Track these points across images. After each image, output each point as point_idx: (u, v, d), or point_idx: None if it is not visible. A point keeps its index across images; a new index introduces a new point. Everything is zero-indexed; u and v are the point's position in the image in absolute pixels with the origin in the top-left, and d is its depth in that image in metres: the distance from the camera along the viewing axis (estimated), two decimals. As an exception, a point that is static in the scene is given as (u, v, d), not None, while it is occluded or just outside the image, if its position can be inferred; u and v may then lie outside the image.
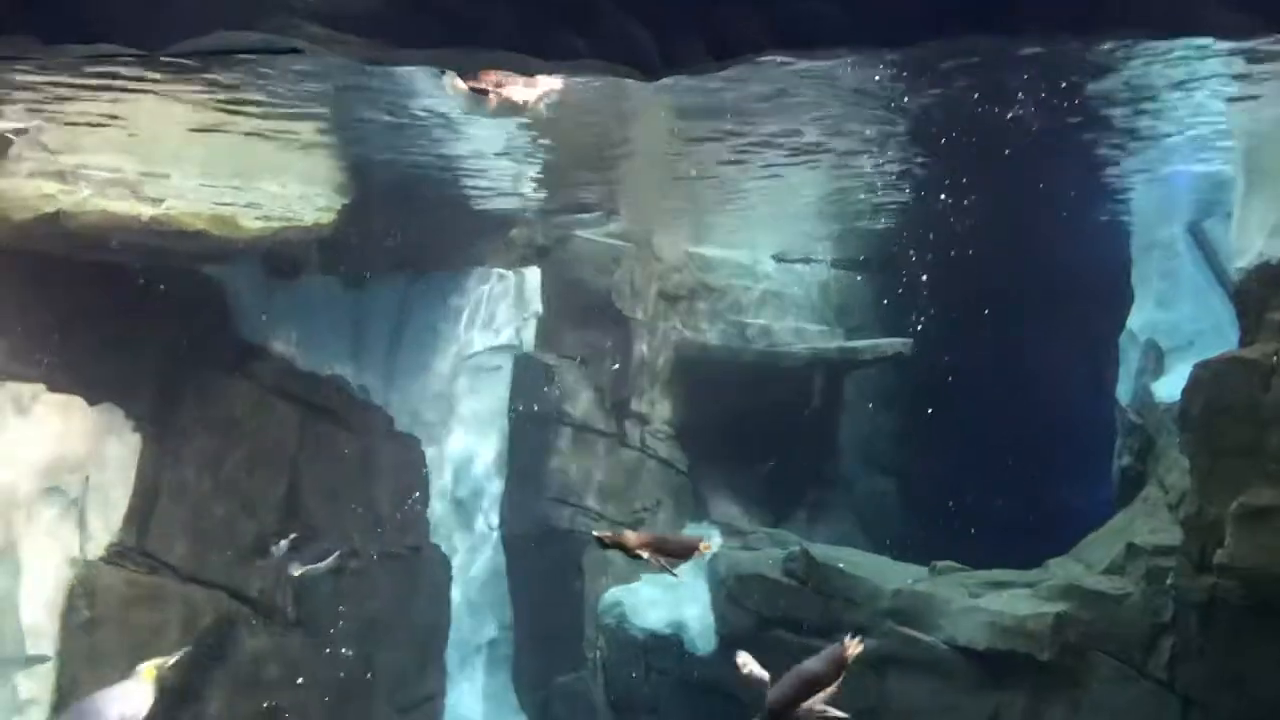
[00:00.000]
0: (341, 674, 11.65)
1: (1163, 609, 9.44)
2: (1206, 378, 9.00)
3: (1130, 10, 4.03)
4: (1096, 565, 10.43)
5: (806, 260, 16.82)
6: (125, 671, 7.40)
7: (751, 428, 14.16)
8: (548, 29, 4.49)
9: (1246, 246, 9.42)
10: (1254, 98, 8.41)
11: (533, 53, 4.51)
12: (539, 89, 7.05)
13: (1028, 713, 10.08)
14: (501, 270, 13.72)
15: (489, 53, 4.52)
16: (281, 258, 10.98)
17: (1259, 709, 8.55)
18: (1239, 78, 8.00)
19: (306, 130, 8.66)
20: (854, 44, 4.44)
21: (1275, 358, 8.41)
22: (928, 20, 4.27)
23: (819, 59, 5.72)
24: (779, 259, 16.59)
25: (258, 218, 9.99)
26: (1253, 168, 9.46)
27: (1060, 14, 4.23)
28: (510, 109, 7.15)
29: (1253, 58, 7.47)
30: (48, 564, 10.08)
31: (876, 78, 7.52)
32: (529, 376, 13.95)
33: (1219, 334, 11.54)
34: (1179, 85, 8.24)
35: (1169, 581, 9.36)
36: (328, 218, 10.47)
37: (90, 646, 10.11)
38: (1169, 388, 11.23)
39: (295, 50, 4.52)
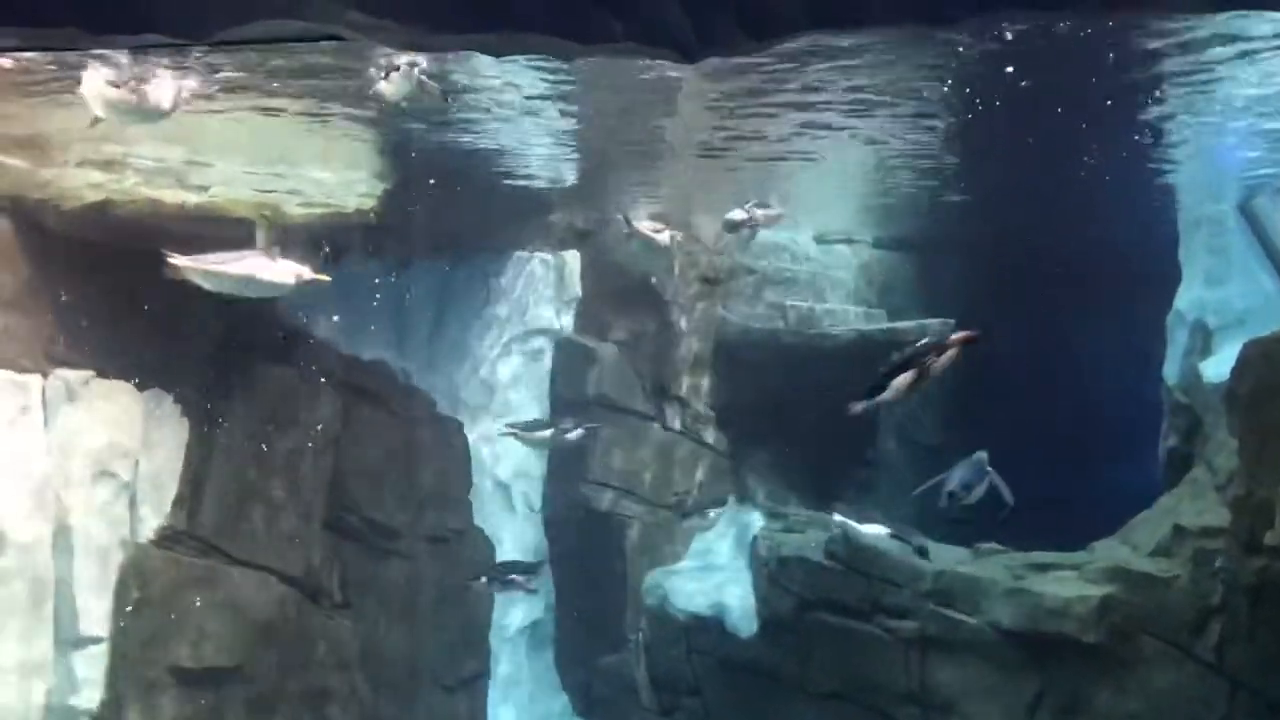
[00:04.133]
0: (388, 655, 11.79)
1: (1211, 591, 9.34)
2: (1256, 357, 8.87)
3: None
4: (1143, 547, 10.32)
5: (848, 241, 16.70)
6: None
7: (793, 410, 14.10)
8: (585, 12, 4.48)
9: (1298, 222, 9.27)
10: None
11: (570, 36, 4.51)
12: (172, 90, 7.00)
13: (1072, 696, 10.01)
14: (542, 254, 13.77)
15: (526, 36, 4.52)
16: (324, 244, 11.06)
17: (1309, 692, 8.47)
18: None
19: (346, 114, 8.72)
20: (895, 22, 4.39)
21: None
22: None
23: (860, 37, 5.67)
24: (820, 240, 16.49)
25: (301, 204, 10.08)
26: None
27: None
28: (150, 112, 7.08)
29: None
30: (100, 547, 10.27)
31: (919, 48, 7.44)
32: (569, 360, 14.00)
33: (1269, 312, 11.37)
34: (1233, 55, 8.11)
35: (1217, 564, 9.26)
36: (369, 203, 10.55)
37: (141, 628, 10.31)
38: (1217, 367, 11.06)
39: (335, 37, 4.55)
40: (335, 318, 11.82)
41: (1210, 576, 9.34)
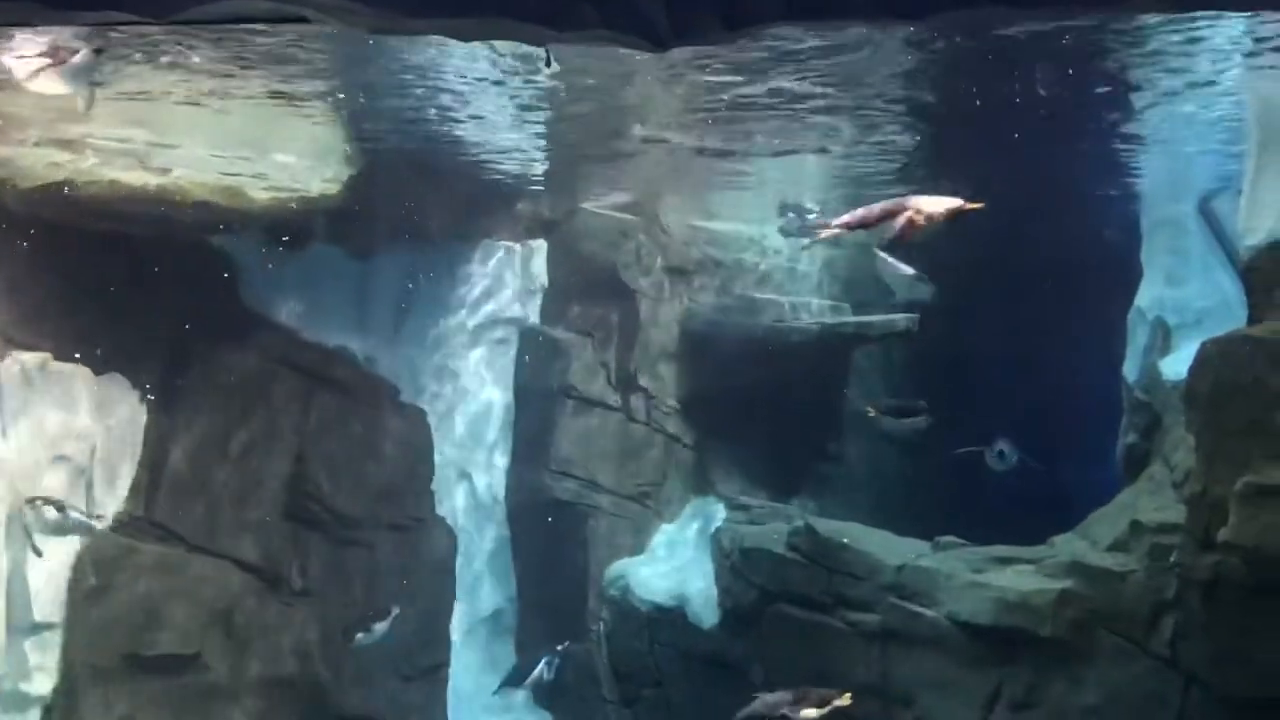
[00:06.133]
0: (347, 644, 11.70)
1: (1166, 586, 9.42)
2: (1214, 355, 8.96)
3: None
4: (1101, 542, 10.41)
5: (812, 231, 16.74)
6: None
7: (758, 402, 14.14)
8: (558, -1, 4.44)
9: (1256, 224, 9.37)
10: (1270, 68, 8.37)
11: (542, 22, 4.47)
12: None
13: (1030, 689, 10.09)
14: (508, 243, 13.70)
15: (498, 22, 4.48)
16: (286, 228, 10.96)
17: (1261, 687, 8.56)
18: (1251, 53, 7.96)
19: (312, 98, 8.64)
20: (870, 16, 4.39)
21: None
22: (940, -8, 4.22)
23: (834, 30, 5.67)
24: (785, 232, 16.52)
25: (265, 188, 9.97)
26: (1264, 145, 9.39)
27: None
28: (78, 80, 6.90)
29: (1262, 34, 7.44)
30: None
31: (885, 45, 7.45)
32: (535, 349, 13.95)
33: (1227, 312, 11.49)
34: (1193, 59, 8.21)
35: (1172, 559, 9.35)
36: (334, 189, 10.45)
37: (97, 615, 10.17)
38: (1176, 365, 11.18)
39: (302, 20, 4.48)
40: (299, 304, 11.70)
41: (1165, 572, 9.42)
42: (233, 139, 9.86)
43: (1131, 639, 9.63)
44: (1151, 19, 7.02)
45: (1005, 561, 10.77)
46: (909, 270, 11.25)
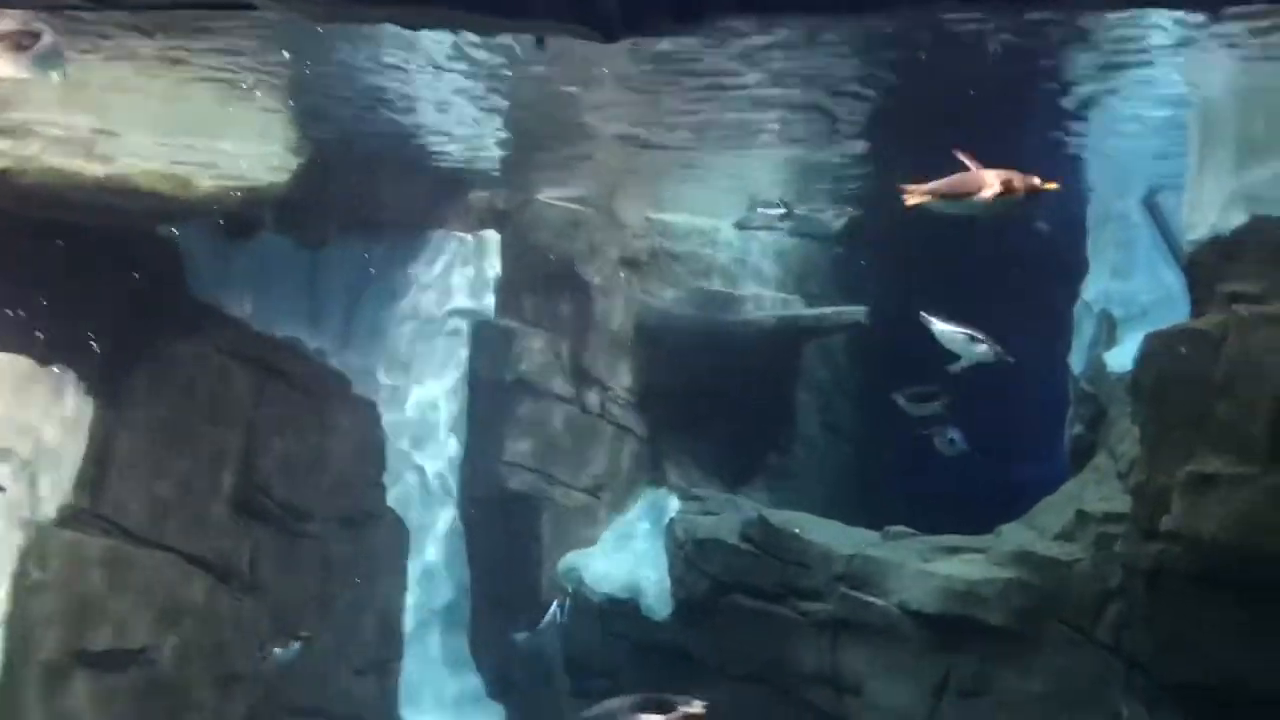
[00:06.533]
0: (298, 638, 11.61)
1: (1111, 575, 9.57)
2: (1158, 348, 9.11)
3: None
4: (1048, 532, 10.58)
5: (768, 228, 16.83)
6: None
7: (712, 394, 14.20)
8: (506, -13, 4.41)
9: (1199, 219, 9.52)
10: (1209, 67, 8.53)
11: (490, 11, 4.45)
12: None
13: (977, 677, 10.24)
14: (461, 234, 13.63)
15: (447, 10, 4.45)
16: (236, 218, 10.84)
17: (1201, 674, 8.71)
18: (1193, 48, 8.10)
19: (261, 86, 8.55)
20: (821, 10, 4.42)
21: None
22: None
23: (783, 25, 5.69)
24: (740, 226, 16.59)
25: (212, 177, 9.84)
26: (1206, 141, 9.54)
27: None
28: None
29: (1205, 32, 7.57)
30: (-2, 526, 9.95)
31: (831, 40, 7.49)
32: (488, 341, 13.90)
33: (1171, 305, 11.67)
34: (1138, 54, 8.34)
35: (1116, 548, 9.51)
36: (283, 178, 10.34)
37: (41, 609, 10.01)
38: (1121, 357, 11.36)
39: (247, 6, 4.43)
40: (248, 294, 11.57)
41: (1110, 561, 9.58)
42: (180, 127, 9.72)
43: (1077, 627, 9.79)
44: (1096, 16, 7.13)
45: (954, 551, 10.91)
46: (965, 332, 11.17)
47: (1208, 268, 9.26)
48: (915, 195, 7.63)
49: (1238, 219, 8.93)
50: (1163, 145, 11.21)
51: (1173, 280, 12.63)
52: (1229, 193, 8.94)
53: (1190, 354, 8.64)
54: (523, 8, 4.50)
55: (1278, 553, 7.85)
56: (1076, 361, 13.43)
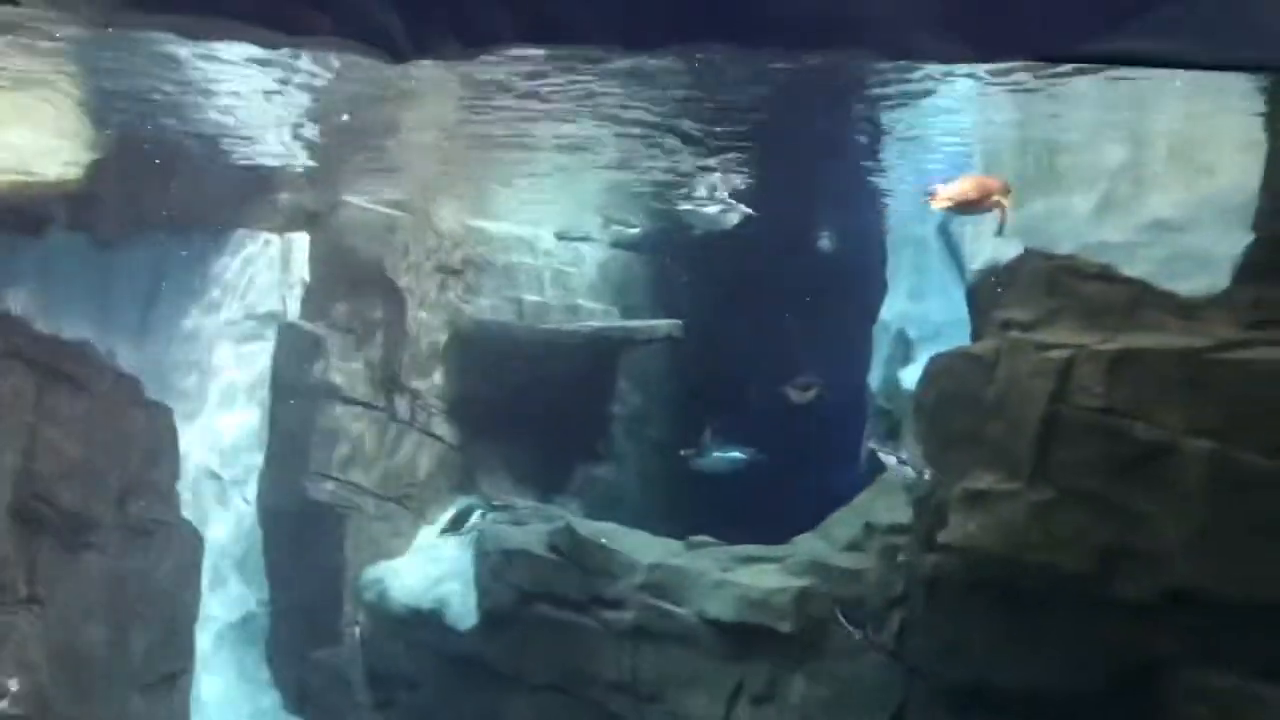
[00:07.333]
0: (80, 653, 11.07)
1: (895, 584, 10.06)
2: (940, 369, 9.65)
3: (856, 35, 4.29)
4: (839, 542, 11.03)
5: (587, 239, 17.00)
6: None
7: (525, 404, 14.23)
8: (291, 3, 4.38)
9: (979, 249, 10.15)
10: (991, 107, 9.09)
11: (274, 26, 4.40)
12: None
13: (770, 683, 10.59)
14: (267, 234, 13.26)
15: (228, 23, 4.38)
16: (21, 214, 10.27)
17: (974, 678, 9.23)
18: (979, 92, 8.62)
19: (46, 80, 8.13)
20: (598, 42, 4.53)
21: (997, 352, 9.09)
22: (669, 26, 4.40)
23: (564, 53, 5.80)
24: (561, 236, 16.70)
25: (-6, 170, 9.32)
26: (988, 174, 10.15)
27: (796, 30, 4.45)
28: None
29: (985, 79, 8.07)
30: None
31: (648, 70, 7.67)
32: (294, 346, 13.56)
33: (963, 327, 12.30)
34: (930, 97, 8.81)
35: (900, 558, 10.00)
36: (74, 172, 9.86)
37: None
38: (915, 376, 11.91)
39: (11, 2, 4.25)
40: (32, 293, 10.96)
41: (894, 570, 10.07)
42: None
43: (863, 634, 10.24)
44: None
45: (751, 560, 11.26)
46: (717, 207, 11.76)
47: (985, 295, 9.88)
48: (941, 200, 8.13)
49: (1013, 250, 9.57)
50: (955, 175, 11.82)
51: (964, 304, 13.31)
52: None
53: (965, 376, 9.18)
54: (308, 26, 4.46)
55: (1037, 564, 8.41)
56: (874, 378, 14.04)
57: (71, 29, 7.20)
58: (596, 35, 4.31)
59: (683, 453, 13.64)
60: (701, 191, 12.10)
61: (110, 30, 5.22)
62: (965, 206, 8.60)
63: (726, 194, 12.16)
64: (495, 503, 14.00)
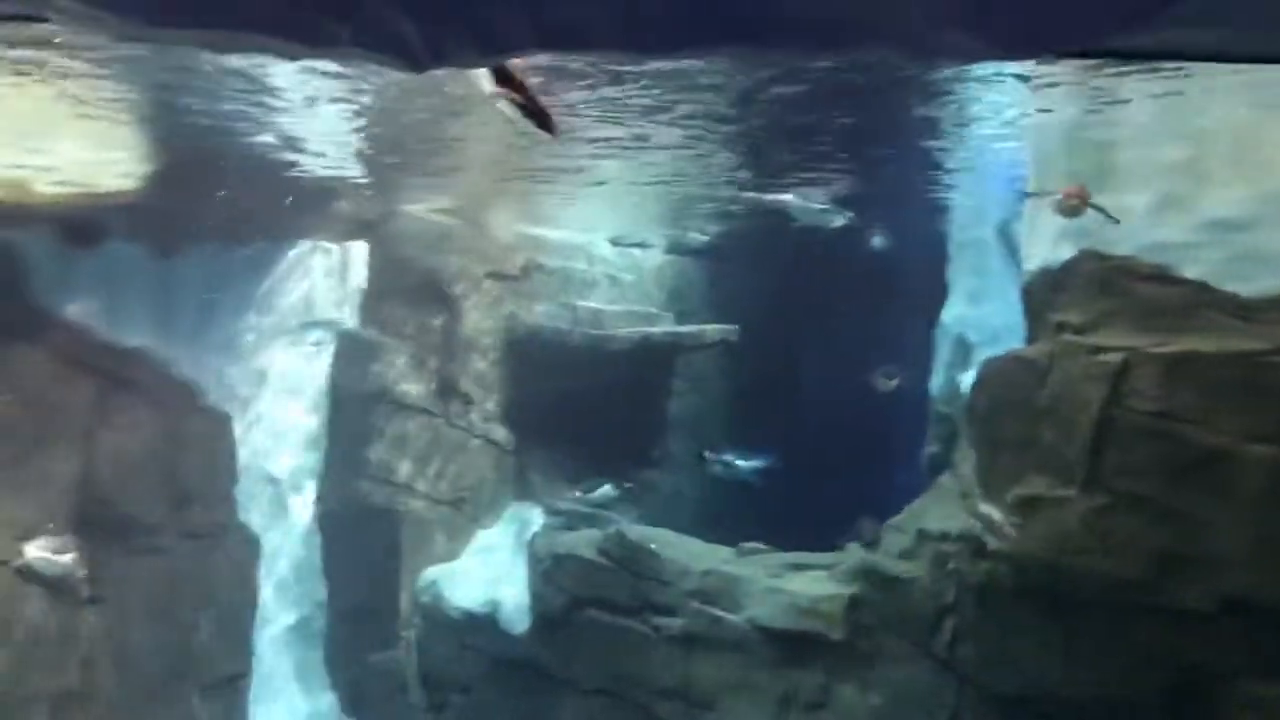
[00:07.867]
0: (141, 654, 11.31)
1: (946, 592, 9.91)
2: (991, 374, 9.48)
3: (872, 33, 4.21)
4: (891, 549, 10.87)
5: (641, 245, 16.99)
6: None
7: (579, 409, 14.25)
8: (310, 14, 4.41)
9: (1034, 251, 9.93)
10: (1043, 110, 8.88)
11: (294, 38, 4.43)
12: None
13: (821, 690, 10.48)
14: (326, 244, 13.45)
15: (249, 35, 4.42)
16: (80, 224, 10.53)
17: (1025, 686, 9.06)
18: (1031, 89, 8.43)
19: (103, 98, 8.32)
20: (618, 49, 4.50)
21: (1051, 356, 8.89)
22: (686, 31, 4.36)
23: (586, 59, 5.78)
24: (615, 242, 16.71)
25: (53, 183, 9.55)
26: (1039, 178, 9.96)
27: (810, 31, 4.38)
28: None
29: (1037, 79, 7.89)
30: None
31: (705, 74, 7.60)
32: (353, 353, 13.74)
33: (1022, 331, 12.12)
34: (986, 97, 8.65)
35: (951, 566, 9.82)
36: (130, 184, 10.08)
37: None
38: (973, 380, 11.72)
39: (41, 19, 4.34)
40: (93, 302, 11.24)
41: (946, 578, 9.90)
42: (19, 130, 9.41)
43: (915, 642, 10.09)
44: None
45: (802, 567, 11.16)
46: (817, 205, 11.93)
47: (1039, 298, 9.67)
48: (1073, 199, 8.53)
49: (1066, 252, 9.35)
50: (1014, 179, 11.59)
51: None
52: (1060, 226, 9.32)
53: (1018, 381, 9.00)
54: (328, 38, 4.49)
55: (1089, 570, 8.21)
56: (935, 383, 13.83)
57: (128, 46, 7.39)
58: (614, 41, 4.27)
59: (705, 454, 13.65)
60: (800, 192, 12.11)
61: (148, 45, 5.33)
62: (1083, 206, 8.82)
63: (828, 199, 12.19)
64: (559, 506, 13.99)
